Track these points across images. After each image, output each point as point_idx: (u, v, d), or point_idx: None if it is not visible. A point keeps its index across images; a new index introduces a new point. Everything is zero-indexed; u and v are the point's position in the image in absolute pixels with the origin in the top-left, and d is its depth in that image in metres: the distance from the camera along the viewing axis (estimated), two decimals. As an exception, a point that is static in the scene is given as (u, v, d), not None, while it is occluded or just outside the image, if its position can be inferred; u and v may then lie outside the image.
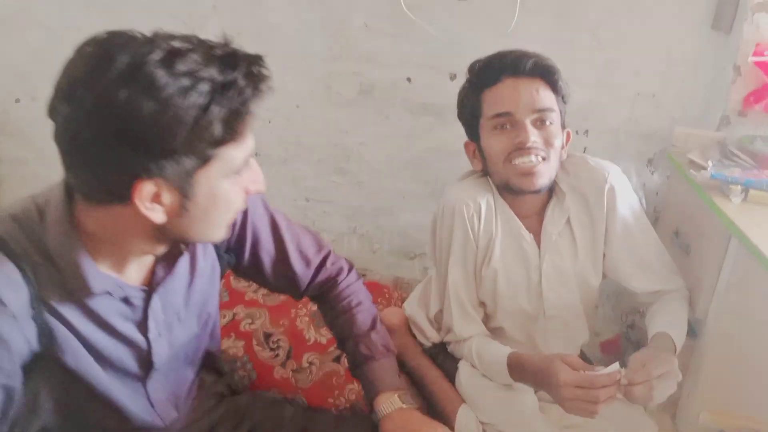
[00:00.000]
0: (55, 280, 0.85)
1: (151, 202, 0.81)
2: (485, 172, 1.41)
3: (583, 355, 1.52)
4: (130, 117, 0.74)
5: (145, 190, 0.79)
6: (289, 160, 2.13)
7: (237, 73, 0.79)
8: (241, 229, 1.13)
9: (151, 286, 0.98)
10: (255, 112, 0.83)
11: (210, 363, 1.22)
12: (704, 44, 1.82)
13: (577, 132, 1.92)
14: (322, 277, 1.25)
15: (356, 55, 2.00)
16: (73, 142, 0.78)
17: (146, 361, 1.00)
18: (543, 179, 1.31)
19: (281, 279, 1.21)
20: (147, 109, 0.74)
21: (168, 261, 0.99)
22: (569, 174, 1.40)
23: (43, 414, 0.92)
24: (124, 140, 0.76)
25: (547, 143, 1.30)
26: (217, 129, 0.79)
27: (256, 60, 0.82)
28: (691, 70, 1.85)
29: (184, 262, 1.01)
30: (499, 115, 1.31)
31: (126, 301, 0.94)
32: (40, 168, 2.21)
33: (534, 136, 1.28)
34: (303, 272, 1.22)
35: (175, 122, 0.76)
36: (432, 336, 1.52)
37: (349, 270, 1.30)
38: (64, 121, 0.77)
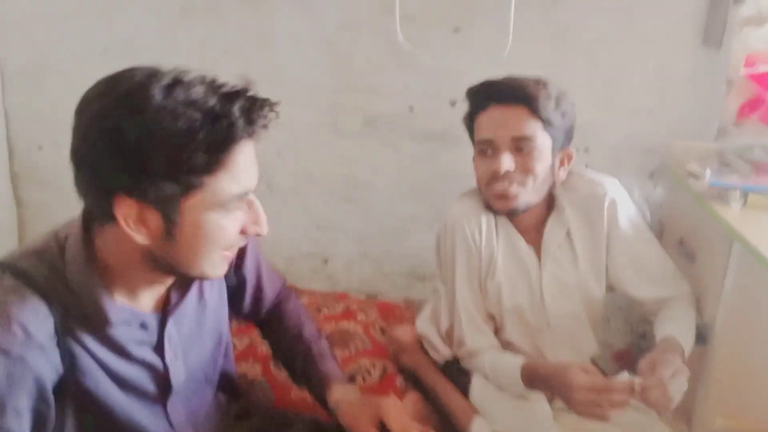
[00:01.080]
0: (76, 310, 0.88)
1: (135, 223, 0.83)
2: None
3: (595, 366, 1.53)
4: (117, 134, 0.78)
5: (126, 208, 0.82)
6: (300, 191, 2.19)
7: (233, 107, 0.81)
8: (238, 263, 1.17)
9: (165, 311, 1.00)
10: (246, 147, 0.85)
11: (226, 384, 1.24)
12: (697, 60, 1.87)
13: (577, 149, 1.95)
14: (278, 298, 1.32)
15: (360, 89, 2.07)
16: (73, 155, 0.83)
17: (165, 384, 1.02)
18: (517, 202, 1.36)
19: (249, 304, 1.25)
20: (134, 128, 0.78)
21: (181, 287, 1.01)
22: (569, 189, 1.44)
23: None
24: (109, 155, 0.79)
25: (525, 169, 1.34)
26: (200, 158, 0.81)
27: (260, 102, 0.84)
28: (686, 85, 1.90)
29: (194, 284, 1.04)
30: (481, 142, 1.37)
31: (142, 326, 0.97)
32: (64, 212, 2.27)
33: (507, 164, 1.32)
34: (270, 292, 1.28)
35: (158, 144, 0.78)
36: (444, 352, 1.55)
37: (293, 293, 1.38)
38: (72, 136, 0.83)
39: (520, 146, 1.33)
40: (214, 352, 1.14)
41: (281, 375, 1.54)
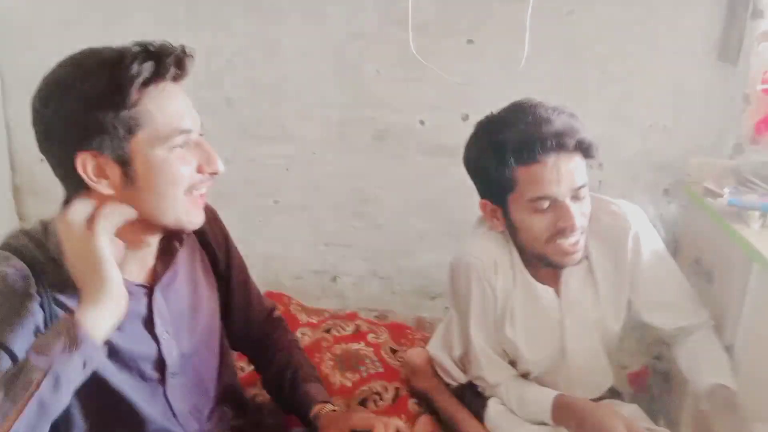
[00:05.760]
0: (63, 280, 0.93)
1: (96, 175, 0.90)
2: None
3: (612, 389, 1.50)
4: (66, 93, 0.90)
5: (84, 162, 0.89)
6: (308, 206, 2.16)
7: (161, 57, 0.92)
8: (227, 259, 1.23)
9: (152, 283, 1.05)
10: (167, 89, 0.93)
11: (230, 396, 1.25)
12: (712, 75, 1.85)
13: (591, 165, 1.93)
14: (269, 319, 1.35)
15: (369, 101, 2.04)
16: (34, 126, 0.93)
17: (159, 362, 1.05)
18: (582, 252, 1.30)
19: (239, 321, 1.28)
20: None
21: (165, 257, 1.07)
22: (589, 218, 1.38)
23: (76, 424, 0.98)
24: (63, 118, 0.89)
25: (585, 215, 1.27)
26: (129, 95, 0.89)
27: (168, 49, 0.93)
28: (702, 101, 1.87)
29: (183, 265, 1.10)
30: (539, 198, 1.23)
31: (131, 296, 0.97)
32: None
33: (577, 215, 1.23)
34: (259, 310, 1.32)
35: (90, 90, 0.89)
36: (458, 376, 1.52)
37: (285, 324, 1.40)
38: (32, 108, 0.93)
39: (579, 195, 1.25)
40: (209, 342, 1.17)
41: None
